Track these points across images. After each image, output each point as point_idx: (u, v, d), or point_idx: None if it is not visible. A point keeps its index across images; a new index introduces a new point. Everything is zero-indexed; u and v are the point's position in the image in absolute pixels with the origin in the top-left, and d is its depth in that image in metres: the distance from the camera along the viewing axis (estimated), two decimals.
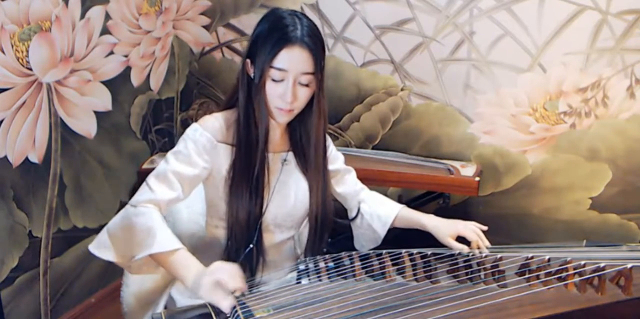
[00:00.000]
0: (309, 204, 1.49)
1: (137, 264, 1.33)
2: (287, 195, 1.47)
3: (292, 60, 1.30)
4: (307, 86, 1.34)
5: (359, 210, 1.62)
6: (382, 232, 1.58)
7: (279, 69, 1.31)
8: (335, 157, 1.60)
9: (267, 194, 1.43)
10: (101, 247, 1.33)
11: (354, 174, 1.65)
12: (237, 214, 1.41)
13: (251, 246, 1.42)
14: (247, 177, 1.39)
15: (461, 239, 1.46)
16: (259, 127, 1.38)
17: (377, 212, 1.59)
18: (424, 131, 2.44)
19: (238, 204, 1.40)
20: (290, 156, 1.49)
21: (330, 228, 1.53)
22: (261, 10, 2.47)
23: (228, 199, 1.41)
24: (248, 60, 1.37)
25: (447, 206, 2.34)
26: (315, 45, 1.32)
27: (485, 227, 1.50)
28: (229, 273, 1.20)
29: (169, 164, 1.37)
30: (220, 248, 1.47)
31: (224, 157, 1.40)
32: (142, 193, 1.35)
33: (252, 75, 1.37)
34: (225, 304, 1.17)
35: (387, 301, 1.19)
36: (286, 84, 1.32)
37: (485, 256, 1.38)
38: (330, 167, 1.56)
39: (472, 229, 1.47)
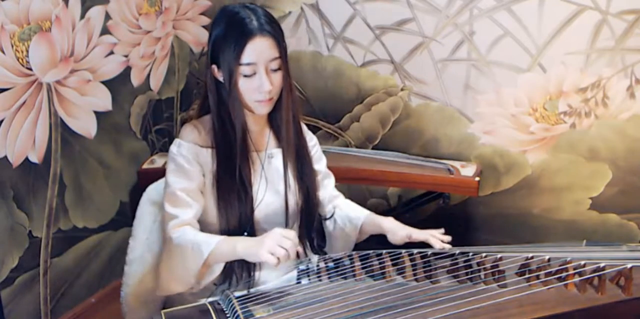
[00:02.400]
0: (299, 198, 1.50)
1: (202, 277, 1.38)
2: (276, 192, 1.47)
3: (259, 52, 1.31)
4: (278, 70, 1.35)
5: (332, 215, 1.62)
6: (354, 235, 1.58)
7: (248, 64, 1.32)
8: (319, 158, 1.61)
9: (255, 193, 1.44)
10: (162, 285, 1.42)
11: (333, 180, 1.66)
12: (227, 215, 1.42)
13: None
14: (232, 180, 1.40)
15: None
16: (236, 127, 1.39)
17: (348, 217, 1.59)
18: (424, 131, 2.44)
19: (227, 206, 1.41)
20: (277, 151, 1.49)
21: (316, 218, 1.55)
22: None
23: (217, 203, 1.42)
24: (214, 66, 1.38)
25: (447, 206, 2.34)
26: (275, 30, 1.34)
27: (442, 230, 1.49)
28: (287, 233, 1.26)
29: (172, 184, 1.40)
30: None
31: (208, 161, 1.42)
32: (168, 223, 1.39)
33: (220, 78, 1.38)
34: (270, 257, 1.21)
35: (387, 301, 1.19)
36: (259, 75, 1.33)
37: (486, 256, 1.38)
38: (315, 166, 1.57)
39: (425, 233, 1.46)
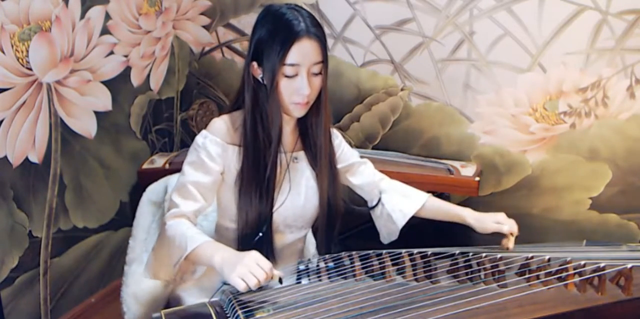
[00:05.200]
0: (319, 203, 1.49)
1: (185, 272, 1.40)
2: (298, 195, 1.47)
3: (304, 54, 1.31)
4: (319, 74, 1.35)
5: (379, 200, 1.61)
6: (400, 224, 1.57)
7: (292, 65, 1.31)
8: (347, 154, 1.60)
9: (277, 194, 1.43)
10: (148, 269, 1.42)
11: (369, 165, 1.64)
12: (247, 215, 1.41)
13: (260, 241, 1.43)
14: (256, 179, 1.39)
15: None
16: (272, 127, 1.38)
17: (398, 204, 1.58)
18: (424, 131, 2.44)
19: (248, 205, 1.40)
20: (302, 154, 1.49)
21: (338, 226, 1.53)
22: (261, 10, 2.47)
23: (238, 201, 1.42)
24: (254, 63, 1.37)
25: None
26: (320, 33, 1.33)
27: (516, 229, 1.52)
28: (264, 263, 1.23)
29: (187, 175, 1.40)
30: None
31: (234, 159, 1.41)
32: (169, 209, 1.40)
33: (259, 77, 1.37)
34: (239, 282, 1.19)
35: (387, 301, 1.19)
36: (301, 77, 1.32)
37: (486, 256, 1.38)
38: (344, 163, 1.57)
39: (513, 225, 1.50)
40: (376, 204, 1.62)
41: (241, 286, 1.19)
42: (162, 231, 1.39)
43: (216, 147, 1.39)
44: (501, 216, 1.51)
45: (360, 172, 1.62)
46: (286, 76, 1.33)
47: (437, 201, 1.60)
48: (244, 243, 1.43)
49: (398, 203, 1.59)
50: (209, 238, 1.32)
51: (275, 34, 1.31)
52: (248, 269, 1.20)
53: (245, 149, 1.40)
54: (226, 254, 1.27)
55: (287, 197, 1.45)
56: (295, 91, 1.34)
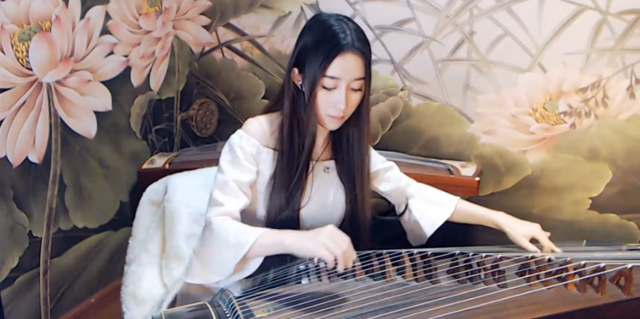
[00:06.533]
0: (344, 213, 1.48)
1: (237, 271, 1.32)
2: (324, 203, 1.46)
3: (346, 68, 1.29)
4: (358, 90, 1.33)
5: (407, 206, 1.59)
6: (428, 232, 1.56)
7: (332, 77, 1.30)
8: (376, 159, 1.58)
9: (305, 201, 1.42)
10: (194, 273, 1.34)
11: (396, 169, 1.62)
12: (273, 219, 1.40)
13: None
14: (287, 184, 1.39)
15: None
16: (306, 135, 1.37)
17: (427, 211, 1.56)
18: (424, 131, 2.44)
19: (275, 209, 1.40)
20: (332, 164, 1.47)
21: (366, 238, 1.50)
22: (261, 10, 2.47)
23: (267, 204, 1.41)
24: (295, 69, 1.36)
25: None
26: (366, 49, 1.32)
27: (549, 234, 1.50)
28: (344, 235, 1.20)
29: (227, 173, 1.37)
30: None
31: (267, 161, 1.40)
32: (211, 208, 1.35)
33: (298, 83, 1.36)
34: (326, 253, 1.16)
35: (387, 301, 1.19)
36: (339, 91, 1.31)
37: (486, 256, 1.38)
38: (371, 170, 1.53)
39: (546, 234, 1.48)
40: (403, 211, 1.60)
41: (328, 257, 1.15)
42: (205, 231, 1.34)
43: (252, 147, 1.38)
44: (536, 228, 1.49)
45: (387, 179, 1.59)
46: (325, 88, 1.31)
47: (468, 206, 1.57)
48: None
49: (426, 210, 1.57)
50: (264, 228, 1.28)
51: (320, 44, 1.30)
52: (331, 239, 1.17)
53: (280, 153, 1.39)
54: (297, 234, 1.24)
55: (313, 204, 1.43)
56: (332, 104, 1.32)
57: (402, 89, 2.42)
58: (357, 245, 1.39)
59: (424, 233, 1.56)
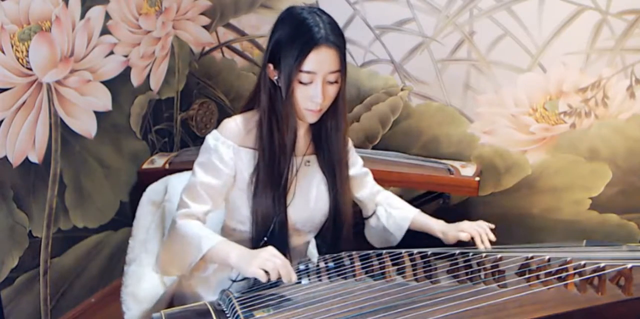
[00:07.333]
0: (328, 208, 1.47)
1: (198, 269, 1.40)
2: (308, 199, 1.45)
3: (321, 62, 1.29)
4: (334, 83, 1.33)
5: (374, 213, 1.61)
6: (399, 237, 1.57)
7: (308, 72, 1.29)
8: (355, 162, 1.58)
9: (289, 199, 1.42)
10: (158, 265, 1.42)
11: (371, 175, 1.63)
12: (258, 217, 1.40)
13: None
14: (271, 182, 1.38)
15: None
16: (287, 131, 1.37)
17: (393, 216, 1.58)
18: (424, 131, 2.44)
19: (260, 207, 1.39)
20: (313, 158, 1.47)
21: (349, 232, 1.51)
22: (261, 10, 2.47)
23: (251, 204, 1.40)
24: (270, 65, 1.35)
25: (447, 206, 2.34)
26: (340, 41, 1.32)
27: (492, 225, 1.50)
28: (282, 261, 1.22)
29: (197, 176, 1.38)
30: None
31: (246, 162, 1.39)
32: (179, 208, 1.39)
33: (274, 79, 1.35)
34: (259, 272, 1.19)
35: (387, 301, 1.19)
36: (315, 85, 1.30)
37: (486, 256, 1.38)
38: (350, 172, 1.53)
39: (475, 227, 1.47)
40: (371, 215, 1.62)
41: (261, 275, 1.19)
42: (172, 229, 1.37)
43: (228, 150, 1.37)
44: (465, 224, 1.49)
45: (364, 184, 1.60)
46: (301, 82, 1.31)
47: (421, 216, 1.58)
48: (255, 245, 1.41)
49: (393, 217, 1.58)
50: (223, 238, 1.32)
51: (294, 39, 1.29)
52: (265, 259, 1.20)
53: (260, 151, 1.38)
54: (242, 251, 1.27)
55: (297, 201, 1.43)
56: (309, 98, 1.32)
57: (402, 89, 2.42)
58: (341, 241, 1.48)
59: (394, 238, 1.58)
